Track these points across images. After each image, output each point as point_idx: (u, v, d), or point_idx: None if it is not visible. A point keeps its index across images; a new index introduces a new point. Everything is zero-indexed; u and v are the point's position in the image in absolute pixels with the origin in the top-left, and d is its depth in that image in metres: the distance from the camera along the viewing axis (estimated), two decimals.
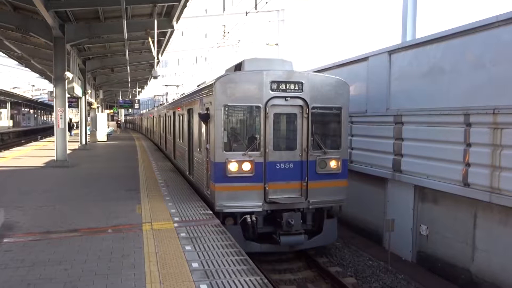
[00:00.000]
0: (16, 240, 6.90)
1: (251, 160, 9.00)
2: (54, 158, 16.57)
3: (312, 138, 9.35)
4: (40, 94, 79.59)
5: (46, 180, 13.29)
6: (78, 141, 27.07)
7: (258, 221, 9.11)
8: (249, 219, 8.98)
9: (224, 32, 27.71)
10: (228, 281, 5.26)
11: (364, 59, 12.68)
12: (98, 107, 36.29)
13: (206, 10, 29.28)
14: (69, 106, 23.02)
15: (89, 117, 31.91)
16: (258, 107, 9.08)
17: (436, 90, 9.72)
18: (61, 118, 16.19)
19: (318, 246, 9.99)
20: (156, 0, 14.49)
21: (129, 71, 28.34)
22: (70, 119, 40.16)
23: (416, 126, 10.28)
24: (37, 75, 41.92)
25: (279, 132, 9.47)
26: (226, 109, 9.04)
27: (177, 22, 17.50)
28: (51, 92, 20.79)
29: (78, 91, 20.75)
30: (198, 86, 12.94)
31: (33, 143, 33.77)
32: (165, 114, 21.21)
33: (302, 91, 9.22)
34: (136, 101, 43.85)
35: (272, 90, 9.07)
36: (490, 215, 8.32)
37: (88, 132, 29.56)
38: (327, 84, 9.61)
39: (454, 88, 9.24)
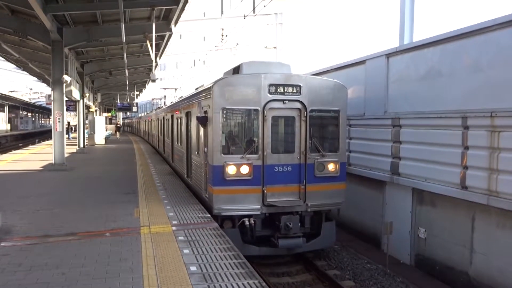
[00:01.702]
0: (13, 244, 6.87)
1: (249, 163, 8.99)
2: (52, 161, 16.53)
3: (310, 141, 9.35)
4: (38, 98, 79.40)
5: (44, 183, 13.25)
6: (76, 145, 27.02)
7: (257, 224, 9.10)
8: (247, 222, 8.98)
9: (222, 36, 27.72)
10: (226, 285, 5.24)
11: (362, 62, 12.72)
12: (96, 110, 36.25)
13: (204, 13, 29.34)
14: (67, 110, 23.07)
15: (87, 121, 31.89)
16: (256, 110, 9.08)
17: (434, 93, 9.74)
18: (59, 121, 16.17)
19: (317, 249, 9.98)
20: (154, 3, 14.50)
21: (127, 74, 28.34)
22: (68, 123, 40.15)
23: (414, 129, 10.30)
24: (35, 78, 41.81)
25: (277, 135, 9.48)
26: (224, 112, 9.03)
27: (175, 25, 17.52)
28: (49, 96, 20.75)
29: (76, 94, 20.75)
30: (196, 89, 12.94)
31: (31, 147, 33.69)
32: (163, 117, 21.20)
33: (300, 94, 9.24)
34: (134, 104, 43.78)
35: (270, 93, 9.08)
36: (488, 218, 8.33)
37: (86, 136, 29.52)
38: (325, 87, 9.62)
39: (451, 91, 9.27)
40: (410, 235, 10.36)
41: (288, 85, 9.18)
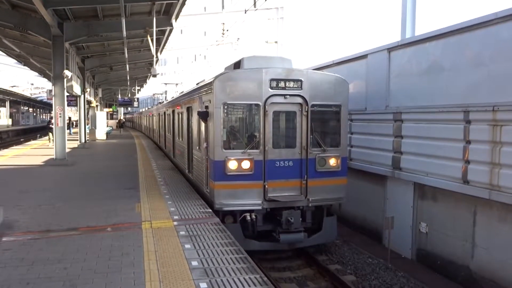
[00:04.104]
0: (15, 238, 6.88)
1: (251, 158, 8.99)
2: (53, 156, 16.56)
3: (311, 136, 9.34)
4: (39, 93, 79.45)
5: (45, 178, 13.27)
6: (77, 140, 27.05)
7: (258, 219, 9.10)
8: (248, 217, 8.98)
9: (223, 30, 27.65)
10: (227, 279, 5.25)
11: (363, 56, 12.66)
12: (97, 106, 36.24)
13: (205, 8, 29.24)
14: (68, 105, 23.06)
15: (88, 116, 31.88)
16: (257, 105, 9.06)
17: (436, 88, 9.71)
18: (60, 116, 16.17)
19: (318, 244, 9.99)
20: None
21: (128, 70, 28.29)
22: (70, 118, 40.14)
23: (415, 123, 10.27)
24: (36, 73, 41.85)
25: (279, 130, 9.45)
26: (225, 107, 9.01)
27: (176, 20, 17.48)
28: (50, 91, 20.77)
29: (77, 89, 20.73)
30: (197, 84, 12.92)
31: (32, 142, 33.73)
32: (164, 113, 21.19)
33: (302, 89, 9.21)
34: (135, 99, 43.73)
35: (272, 88, 9.06)
36: (490, 212, 8.32)
37: (87, 131, 29.54)
38: (326, 81, 9.60)
39: (453, 85, 9.24)
40: (412, 230, 10.37)
41: (289, 80, 9.15)
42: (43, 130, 64.67)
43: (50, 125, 25.25)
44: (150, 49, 18.27)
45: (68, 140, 17.55)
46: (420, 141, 10.02)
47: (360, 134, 12.66)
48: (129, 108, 65.91)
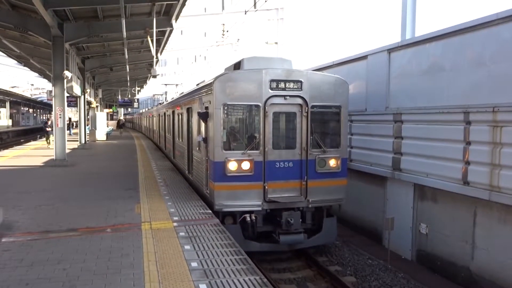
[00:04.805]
0: (14, 239, 6.87)
1: (251, 159, 8.98)
2: (53, 157, 16.55)
3: (311, 137, 9.33)
4: (39, 94, 79.51)
5: (45, 179, 13.26)
6: (77, 141, 27.04)
7: (258, 220, 9.09)
8: (248, 218, 8.97)
9: (223, 31, 27.65)
10: (227, 281, 5.24)
11: (363, 57, 12.66)
12: (97, 106, 36.24)
13: (205, 9, 29.25)
14: (68, 105, 23.07)
15: (88, 116, 31.89)
16: (257, 106, 9.05)
17: (436, 88, 9.70)
18: (60, 117, 16.17)
19: (318, 245, 9.98)
20: None
21: (128, 70, 28.31)
22: (70, 118, 40.13)
23: (415, 124, 10.27)
24: (36, 74, 41.88)
25: (279, 131, 9.44)
26: (225, 108, 9.01)
27: (176, 20, 17.48)
28: (50, 91, 20.78)
29: (77, 90, 20.73)
30: (197, 85, 12.91)
31: (32, 142, 33.73)
32: (164, 113, 21.19)
33: (302, 89, 9.20)
34: (136, 100, 43.73)
35: (272, 89, 9.05)
36: (490, 213, 8.31)
37: (87, 131, 29.53)
38: (326, 82, 9.59)
39: (453, 86, 9.23)
40: (412, 231, 10.36)
41: (289, 81, 9.15)
42: (43, 131, 64.78)
43: (47, 128, 25.17)
44: (150, 50, 18.24)
45: (68, 140, 17.54)
46: (420, 142, 10.01)
47: (360, 135, 12.66)
48: (129, 109, 65.89)
